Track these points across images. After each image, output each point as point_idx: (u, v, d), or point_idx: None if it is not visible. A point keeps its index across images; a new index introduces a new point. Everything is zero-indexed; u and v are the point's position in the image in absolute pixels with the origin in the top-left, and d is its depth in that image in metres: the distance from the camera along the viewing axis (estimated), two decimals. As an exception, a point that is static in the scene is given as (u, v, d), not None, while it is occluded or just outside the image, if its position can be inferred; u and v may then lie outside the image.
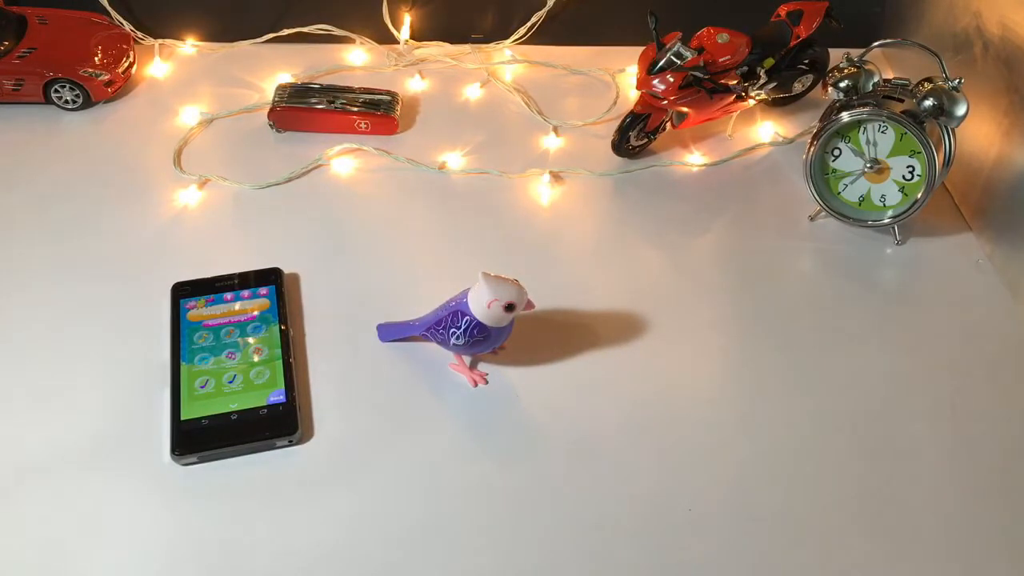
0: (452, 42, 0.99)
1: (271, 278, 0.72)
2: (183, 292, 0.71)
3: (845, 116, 0.76)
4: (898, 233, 0.80)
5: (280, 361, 0.66)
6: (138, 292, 0.72)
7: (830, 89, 0.78)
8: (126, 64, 0.90)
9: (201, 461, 0.62)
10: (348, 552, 0.58)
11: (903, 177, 0.78)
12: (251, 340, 0.68)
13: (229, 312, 0.69)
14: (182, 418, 0.63)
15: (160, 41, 0.96)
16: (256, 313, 0.69)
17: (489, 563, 0.58)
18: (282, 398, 0.64)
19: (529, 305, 0.62)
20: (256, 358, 0.66)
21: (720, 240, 0.81)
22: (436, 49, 0.98)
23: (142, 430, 0.63)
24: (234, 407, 0.63)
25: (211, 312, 0.69)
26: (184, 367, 0.66)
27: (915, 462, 0.64)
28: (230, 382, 0.65)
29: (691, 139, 0.90)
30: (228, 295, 0.71)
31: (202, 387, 0.65)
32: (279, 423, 0.63)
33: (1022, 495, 0.63)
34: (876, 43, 0.81)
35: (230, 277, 0.72)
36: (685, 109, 0.83)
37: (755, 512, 0.61)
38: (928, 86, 0.74)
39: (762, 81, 0.84)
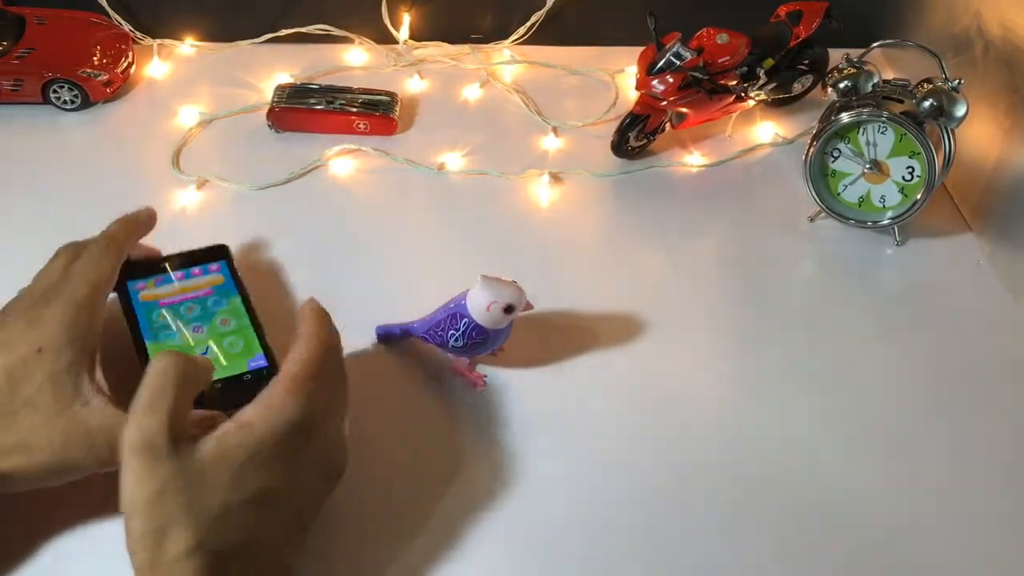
0: (451, 42, 0.98)
1: (219, 254, 0.68)
2: (126, 271, 0.64)
3: (845, 117, 0.76)
4: (898, 234, 0.80)
5: (251, 330, 0.63)
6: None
7: (830, 90, 0.78)
8: (125, 64, 0.90)
9: None
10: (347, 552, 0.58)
11: (903, 178, 0.77)
12: (216, 312, 0.64)
13: (184, 289, 0.65)
14: None
15: (159, 41, 0.96)
16: (211, 288, 0.65)
17: (486, 564, 0.57)
18: (263, 363, 0.61)
19: (528, 306, 0.62)
20: (224, 328, 0.63)
21: (720, 241, 0.80)
22: (435, 49, 0.98)
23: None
24: (216, 376, 0.59)
25: (164, 291, 0.65)
26: (151, 347, 0.61)
27: (915, 462, 0.64)
28: (204, 353, 0.61)
29: (691, 140, 0.90)
30: (178, 274, 0.66)
31: None
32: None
33: (1023, 495, 0.63)
34: (876, 44, 0.81)
35: (177, 256, 0.68)
36: (684, 110, 0.83)
37: (756, 513, 0.61)
38: (928, 87, 0.74)
39: (762, 82, 0.84)
